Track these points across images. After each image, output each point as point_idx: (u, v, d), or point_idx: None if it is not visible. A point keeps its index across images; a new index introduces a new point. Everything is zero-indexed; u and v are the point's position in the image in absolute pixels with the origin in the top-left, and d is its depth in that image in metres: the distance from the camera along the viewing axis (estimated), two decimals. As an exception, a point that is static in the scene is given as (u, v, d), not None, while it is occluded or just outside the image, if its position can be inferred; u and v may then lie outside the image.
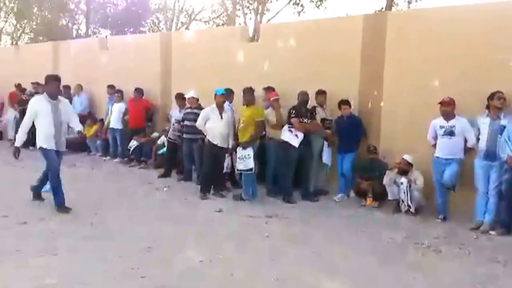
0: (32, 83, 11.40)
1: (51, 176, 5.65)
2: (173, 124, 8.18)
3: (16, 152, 5.63)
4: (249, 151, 6.39)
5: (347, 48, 7.20)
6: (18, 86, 11.94)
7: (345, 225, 5.54)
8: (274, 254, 4.39)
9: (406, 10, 6.12)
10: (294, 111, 6.68)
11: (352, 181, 6.80)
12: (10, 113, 11.80)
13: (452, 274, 4.07)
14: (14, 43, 23.04)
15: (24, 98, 11.32)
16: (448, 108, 5.86)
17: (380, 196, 6.41)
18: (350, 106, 6.89)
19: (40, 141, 5.57)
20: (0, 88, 12.51)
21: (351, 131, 6.81)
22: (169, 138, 8.23)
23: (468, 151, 5.87)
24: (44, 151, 5.60)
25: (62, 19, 21.00)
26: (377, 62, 6.96)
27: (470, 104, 5.82)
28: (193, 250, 4.40)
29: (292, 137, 6.55)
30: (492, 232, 5.31)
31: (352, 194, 6.86)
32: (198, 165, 7.46)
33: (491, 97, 5.48)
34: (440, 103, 5.86)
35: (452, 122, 5.83)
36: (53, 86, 5.74)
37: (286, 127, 6.66)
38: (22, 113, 11.04)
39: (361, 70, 7.14)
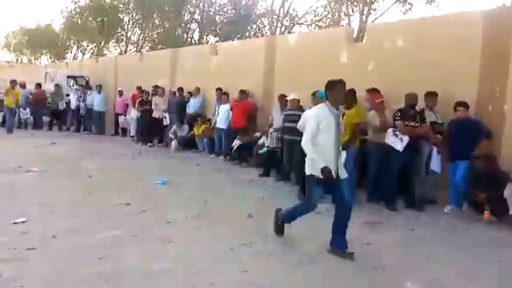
0: (152, 86, 12.50)
1: (301, 210, 4.66)
2: (271, 133, 8.30)
3: None
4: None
5: (464, 46, 6.56)
6: (139, 88, 13.18)
7: (454, 239, 5.02)
8: (374, 261, 4.15)
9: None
10: (399, 114, 6.29)
11: (466, 191, 6.13)
12: (133, 113, 13.09)
13: None
14: (138, 50, 25.59)
15: (144, 99, 12.51)
16: None
17: (500, 210, 5.66)
18: (467, 108, 6.25)
19: (311, 167, 4.34)
20: (126, 91, 13.96)
21: (466, 136, 6.12)
22: (267, 147, 8.35)
23: None
24: (312, 181, 4.35)
25: (178, 28, 22.74)
26: (500, 61, 6.22)
27: None
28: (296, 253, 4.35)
29: (396, 141, 6.16)
30: None
31: (465, 206, 6.18)
32: (298, 166, 7.40)
33: None
34: None
35: None
36: (339, 93, 4.54)
37: (390, 130, 6.29)
38: (143, 113, 12.28)
39: (480, 69, 6.44)
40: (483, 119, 6.32)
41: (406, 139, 6.12)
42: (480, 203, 5.84)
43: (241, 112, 9.67)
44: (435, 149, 6.43)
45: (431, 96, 6.59)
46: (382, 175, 6.41)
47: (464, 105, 6.23)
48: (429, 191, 6.56)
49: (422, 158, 6.40)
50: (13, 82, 14.05)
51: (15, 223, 4.76)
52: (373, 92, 6.91)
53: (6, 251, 3.99)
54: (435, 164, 6.44)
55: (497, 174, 5.86)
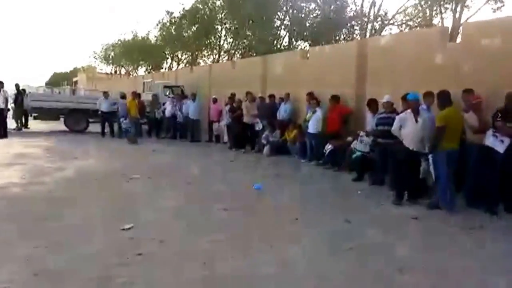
0: (246, 93, 13.08)
1: None
2: (362, 137, 8.41)
3: None
4: (431, 158, 6.22)
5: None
6: (232, 95, 13.84)
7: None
8: (478, 265, 4.19)
9: None
10: (500, 114, 6.08)
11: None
12: (226, 120, 13.77)
13: None
14: (230, 58, 26.77)
15: (234, 105, 13.19)
16: None
17: None
18: None
19: None
20: (220, 98, 14.76)
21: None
22: (360, 151, 8.46)
23: None
24: None
25: (269, 35, 23.33)
26: None
27: None
28: (387, 256, 4.49)
29: (497, 143, 5.97)
30: None
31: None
32: (392, 170, 7.44)
33: None
34: None
35: None
36: None
37: (490, 131, 6.11)
38: (233, 119, 12.95)
39: None
40: None
41: (507, 140, 5.91)
42: None
43: (337, 117, 9.85)
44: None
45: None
46: (483, 178, 6.24)
47: None
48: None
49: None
50: (134, 94, 15.15)
51: (123, 229, 4.95)
52: (469, 92, 6.75)
53: (115, 256, 4.17)
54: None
55: None
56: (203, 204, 6.44)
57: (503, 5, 17.49)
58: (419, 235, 5.16)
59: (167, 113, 15.79)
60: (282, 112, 12.03)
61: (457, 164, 6.38)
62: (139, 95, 16.05)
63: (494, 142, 6.01)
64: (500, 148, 5.94)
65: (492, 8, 18.13)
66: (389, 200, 6.73)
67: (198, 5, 27.47)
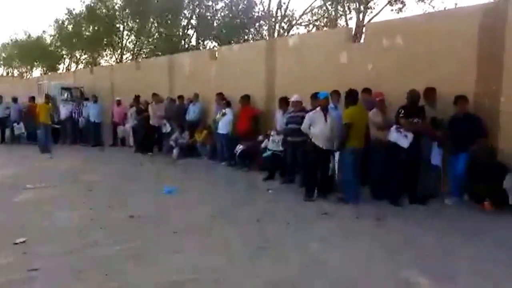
0: (152, 94, 12.49)
1: None
2: (272, 136, 8.47)
3: None
4: (338, 154, 6.46)
5: (461, 42, 6.73)
6: (136, 97, 13.19)
7: (460, 231, 5.15)
8: (384, 256, 4.27)
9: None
10: (403, 111, 6.44)
11: (466, 183, 6.31)
12: (131, 122, 13.06)
13: None
14: (134, 58, 25.65)
15: (141, 107, 12.57)
16: None
17: (499, 200, 5.84)
18: (466, 102, 6.41)
19: None
20: (124, 100, 13.98)
21: (466, 130, 6.30)
22: (270, 149, 8.51)
23: None
24: None
25: (175, 35, 22.80)
26: (496, 54, 6.39)
27: None
28: (302, 251, 4.46)
29: (401, 138, 6.30)
30: None
31: (466, 198, 6.36)
32: (302, 167, 7.54)
33: None
34: None
35: None
36: None
37: (394, 127, 6.43)
38: (140, 121, 12.33)
39: (477, 64, 6.61)
40: (481, 113, 6.48)
41: (410, 135, 6.27)
42: (479, 194, 6.02)
43: (247, 117, 9.78)
44: (435, 144, 6.58)
45: (430, 92, 6.76)
46: (387, 172, 6.55)
47: (464, 98, 6.39)
48: (430, 185, 6.71)
49: (425, 154, 6.56)
50: (47, 98, 13.50)
51: (15, 243, 4.61)
52: (367, 91, 7.17)
53: (7, 273, 3.86)
54: (436, 158, 6.59)
55: (495, 166, 6.04)
56: (106, 212, 5.96)
57: (404, 6, 18.96)
58: (329, 230, 5.21)
59: (62, 115, 14.80)
60: (191, 113, 11.73)
61: (362, 159, 6.66)
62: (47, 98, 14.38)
63: (398, 137, 6.32)
64: (404, 143, 6.27)
65: (393, 10, 19.56)
66: (300, 197, 6.78)
67: (98, 3, 25.92)
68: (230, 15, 22.23)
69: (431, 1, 18.62)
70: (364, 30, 8.66)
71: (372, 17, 19.38)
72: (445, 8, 16.26)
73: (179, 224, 5.36)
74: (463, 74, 6.70)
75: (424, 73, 7.04)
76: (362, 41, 8.66)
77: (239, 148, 9.54)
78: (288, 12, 22.72)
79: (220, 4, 22.64)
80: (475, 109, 6.55)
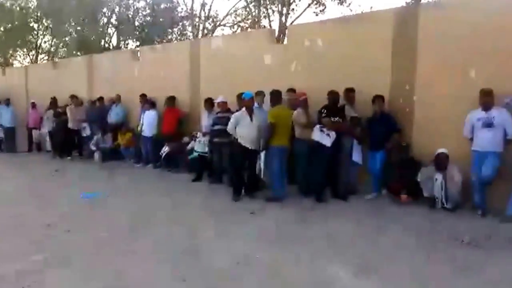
0: (70, 96, 11.77)
1: None
2: (198, 138, 8.36)
3: None
4: (264, 154, 6.56)
5: (377, 44, 7.08)
6: (53, 99, 12.39)
7: (379, 223, 5.42)
8: (309, 253, 4.34)
9: (438, 1, 5.94)
10: (325, 111, 6.64)
11: (384, 178, 6.67)
12: (48, 126, 12.24)
13: (498, 271, 3.89)
14: (50, 59, 24.03)
15: (60, 110, 11.80)
16: (488, 98, 5.70)
17: (414, 193, 6.25)
18: (384, 100, 6.77)
19: None
20: (40, 101, 13.04)
21: (382, 128, 6.68)
22: (197, 151, 8.38)
23: (508, 143, 5.68)
24: None
25: (94, 34, 21.72)
26: (409, 56, 6.81)
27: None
28: (230, 252, 4.41)
29: (324, 137, 6.50)
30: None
31: (384, 191, 6.73)
32: (230, 168, 7.50)
33: None
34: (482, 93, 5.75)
35: (491, 113, 5.67)
36: None
37: (317, 127, 6.62)
38: (57, 125, 11.56)
39: (392, 65, 7.00)
40: (396, 112, 6.88)
41: (333, 134, 6.48)
42: (396, 188, 6.39)
43: (172, 119, 9.54)
44: (355, 142, 6.88)
45: (350, 92, 7.06)
46: (311, 170, 6.72)
47: (381, 98, 6.74)
48: (352, 181, 7.02)
49: (346, 151, 6.83)
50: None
51: None
52: (291, 91, 7.34)
53: None
54: (356, 155, 6.89)
55: (410, 161, 6.44)
56: (20, 222, 5.46)
57: (325, 9, 19.68)
58: (257, 228, 5.21)
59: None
60: (113, 115, 11.21)
61: (288, 158, 6.78)
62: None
63: (322, 136, 6.51)
64: (327, 141, 6.47)
65: (314, 12, 20.21)
66: (228, 197, 6.74)
67: (9, 0, 23.88)
68: (153, 14, 21.61)
69: (349, 4, 19.55)
70: (287, 31, 8.82)
71: (295, 19, 19.91)
72: (362, 11, 17.15)
73: (100, 231, 5.06)
74: (379, 75, 7.05)
75: (344, 74, 7.32)
76: (285, 42, 8.82)
77: (165, 150, 9.31)
78: (212, 13, 22.69)
79: (142, 3, 21.97)
80: (390, 108, 6.93)
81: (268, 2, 19.92)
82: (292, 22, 19.14)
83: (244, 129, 6.69)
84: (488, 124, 5.66)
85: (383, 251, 4.41)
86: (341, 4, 18.90)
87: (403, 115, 6.86)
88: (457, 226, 5.21)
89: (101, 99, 11.65)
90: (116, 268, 3.96)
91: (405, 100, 6.92)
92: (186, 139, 9.23)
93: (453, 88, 6.26)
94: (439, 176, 5.92)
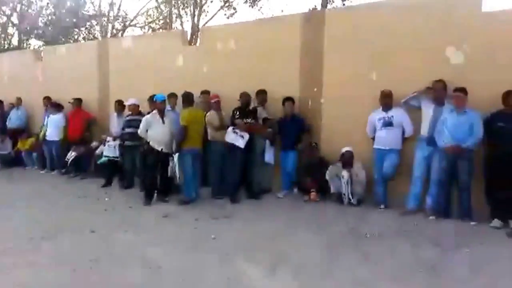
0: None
1: None
2: (108, 142, 8.00)
3: None
4: (176, 156, 6.46)
5: (287, 47, 7.24)
6: None
7: (291, 220, 5.54)
8: (222, 255, 4.28)
9: (343, 7, 6.32)
10: (238, 113, 6.66)
11: (295, 177, 6.85)
12: None
13: (398, 260, 4.12)
14: None
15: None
16: (387, 99, 6.09)
17: (323, 190, 6.50)
18: (293, 102, 6.95)
19: None
20: None
21: (293, 129, 6.87)
22: (106, 156, 7.99)
23: (406, 141, 6.11)
24: None
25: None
26: (316, 59, 7.06)
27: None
28: (142, 258, 4.20)
29: (238, 138, 6.52)
30: (432, 217, 5.50)
31: (295, 190, 6.92)
32: (141, 172, 7.25)
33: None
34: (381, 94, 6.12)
35: (391, 113, 6.06)
36: None
37: (230, 128, 6.62)
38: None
39: (300, 68, 7.21)
40: (305, 113, 7.11)
41: (246, 136, 6.53)
42: (306, 185, 6.60)
43: (78, 123, 9.01)
44: (268, 143, 6.99)
45: (261, 94, 7.16)
46: (225, 172, 6.70)
47: (291, 100, 6.93)
48: (265, 180, 7.12)
49: (259, 152, 6.90)
50: None
51: None
52: (205, 93, 7.32)
53: None
54: (269, 156, 7.00)
55: (319, 160, 6.69)
56: None
57: (236, 12, 19.85)
58: (169, 233, 5.06)
59: None
60: (14, 119, 10.29)
61: (202, 160, 6.70)
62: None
63: (235, 138, 6.53)
64: (241, 143, 6.50)
65: (225, 14, 20.30)
66: (140, 202, 6.49)
67: None
68: (57, 12, 20.23)
69: (260, 8, 20.00)
70: (199, 33, 8.73)
71: (207, 21, 19.84)
72: (272, 15, 17.62)
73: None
74: (289, 78, 7.23)
75: (256, 76, 7.40)
76: (198, 44, 8.73)
77: (72, 155, 8.72)
78: (121, 12, 21.83)
79: (45, 1, 20.48)
80: (300, 109, 7.15)
81: (179, 3, 19.65)
82: (205, 24, 19.04)
83: (156, 132, 6.54)
84: (388, 124, 6.06)
85: (293, 247, 4.49)
86: (252, 7, 19.24)
87: (313, 116, 7.10)
88: (361, 220, 5.48)
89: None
90: (15, 281, 3.63)
91: (313, 102, 7.16)
92: (95, 143, 8.74)
93: (357, 90, 6.60)
94: (345, 174, 6.21)
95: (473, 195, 5.38)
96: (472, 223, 5.20)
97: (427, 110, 5.73)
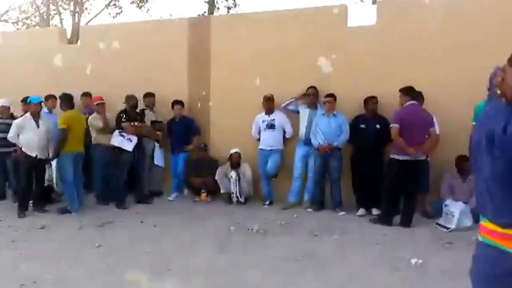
0: None
1: None
2: None
3: None
4: (55, 162, 6.17)
5: (175, 50, 7.31)
6: None
7: (181, 221, 5.61)
8: (107, 263, 4.18)
9: (228, 14, 6.57)
10: (124, 115, 6.51)
11: (186, 179, 6.95)
12: None
13: (277, 250, 4.45)
14: None
15: None
16: (270, 103, 6.51)
17: (213, 190, 6.71)
18: (183, 105, 7.03)
19: None
20: None
21: (183, 131, 6.96)
22: None
23: (287, 141, 6.61)
24: None
25: None
26: (203, 64, 7.24)
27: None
28: (14, 274, 3.90)
29: (125, 142, 6.38)
30: (309, 210, 6.08)
31: (186, 192, 7.02)
32: (14, 180, 6.67)
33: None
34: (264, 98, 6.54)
35: (273, 116, 6.50)
36: None
37: (117, 132, 6.44)
38: None
39: (188, 71, 7.33)
40: (195, 115, 7.25)
41: (134, 139, 6.42)
42: (197, 187, 6.75)
43: None
44: (157, 145, 6.97)
45: (149, 96, 7.12)
46: (112, 176, 6.52)
47: (180, 103, 6.99)
48: (155, 184, 7.10)
49: (148, 155, 6.86)
50: None
51: None
52: (86, 95, 7.10)
53: None
54: (158, 159, 7.00)
55: (209, 161, 6.89)
56: None
57: (121, 12, 19.08)
58: (47, 244, 4.76)
59: None
60: None
61: (85, 164, 6.42)
62: None
63: (122, 141, 6.38)
64: (129, 146, 6.37)
65: (110, 14, 19.41)
66: (13, 213, 5.97)
67: None
68: None
69: (148, 10, 19.61)
70: (80, 32, 8.29)
71: (90, 20, 18.79)
72: (161, 17, 17.42)
73: None
74: (178, 81, 7.30)
75: (143, 78, 7.32)
76: (79, 43, 8.30)
77: None
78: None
79: None
80: (189, 111, 7.26)
81: (58, 0, 18.26)
82: (88, 22, 18.00)
83: (29, 137, 5.99)
84: (271, 126, 6.51)
85: (183, 248, 4.57)
86: (139, 8, 18.75)
87: (202, 118, 7.27)
88: (248, 217, 5.80)
89: None
90: None
91: (202, 104, 7.34)
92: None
93: (243, 94, 6.93)
94: (233, 174, 6.49)
95: (343, 188, 6.06)
96: (342, 213, 5.88)
97: (304, 113, 6.33)
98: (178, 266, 4.04)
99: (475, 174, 1.58)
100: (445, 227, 5.10)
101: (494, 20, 5.61)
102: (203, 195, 6.68)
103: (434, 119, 5.29)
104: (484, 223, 1.54)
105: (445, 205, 5.26)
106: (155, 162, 6.97)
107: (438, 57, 5.89)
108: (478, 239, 1.58)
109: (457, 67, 5.77)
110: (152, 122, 7.02)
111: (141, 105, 6.97)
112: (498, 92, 1.51)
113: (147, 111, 7.02)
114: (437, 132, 5.30)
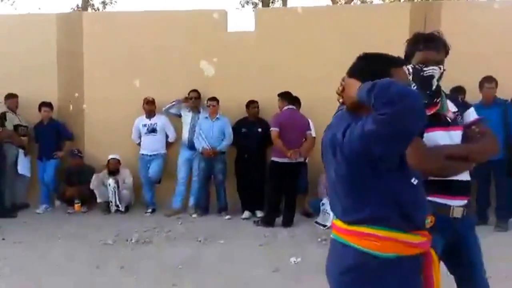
0: None
1: None
2: None
3: None
4: None
5: (41, 47, 6.63)
6: None
7: (51, 236, 5.07)
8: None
9: (103, 11, 6.10)
10: None
11: (57, 189, 6.34)
12: None
13: (158, 261, 4.26)
14: None
15: None
16: (151, 106, 6.27)
17: (89, 200, 6.23)
18: (51, 108, 6.41)
19: None
20: None
21: (52, 136, 6.37)
22: None
23: (170, 146, 6.43)
24: None
25: None
26: (75, 63, 6.70)
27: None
28: None
29: None
30: (194, 215, 5.98)
31: (57, 202, 6.42)
32: None
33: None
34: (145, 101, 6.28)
35: (154, 120, 6.26)
36: None
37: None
38: None
39: (58, 73, 6.71)
40: (67, 118, 6.65)
41: None
42: (70, 197, 6.21)
43: None
44: (21, 152, 6.24)
45: (11, 98, 6.39)
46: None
47: (47, 105, 6.35)
48: (19, 195, 6.37)
49: (10, 163, 6.10)
50: None
51: None
52: None
53: None
54: (23, 167, 6.27)
55: (83, 169, 6.37)
56: None
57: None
58: None
59: None
60: None
61: None
62: None
63: None
64: None
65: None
66: None
67: None
68: None
69: (13, 3, 17.77)
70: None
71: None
72: (28, 12, 15.88)
73: None
74: (45, 80, 6.63)
75: (6, 78, 6.51)
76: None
77: None
78: None
79: None
80: (59, 115, 6.64)
81: None
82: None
83: None
84: (152, 130, 6.27)
85: (52, 267, 4.12)
86: (1, 1, 16.87)
87: (75, 122, 6.73)
88: (129, 227, 5.45)
89: None
90: None
91: (75, 108, 6.79)
92: None
93: (121, 96, 6.55)
94: (111, 181, 6.10)
95: (228, 191, 6.08)
96: (227, 216, 5.89)
97: (186, 117, 6.22)
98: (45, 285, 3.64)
99: (326, 176, 1.66)
100: (322, 225, 5.41)
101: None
102: (77, 205, 6.15)
103: (310, 123, 5.60)
104: (335, 221, 1.65)
105: (322, 204, 5.59)
106: (19, 171, 6.23)
107: (317, 63, 6.18)
108: (331, 237, 1.68)
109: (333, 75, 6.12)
110: (15, 127, 6.27)
111: (1, 108, 6.17)
112: (340, 100, 1.64)
113: (8, 114, 6.25)
114: (313, 135, 5.61)
